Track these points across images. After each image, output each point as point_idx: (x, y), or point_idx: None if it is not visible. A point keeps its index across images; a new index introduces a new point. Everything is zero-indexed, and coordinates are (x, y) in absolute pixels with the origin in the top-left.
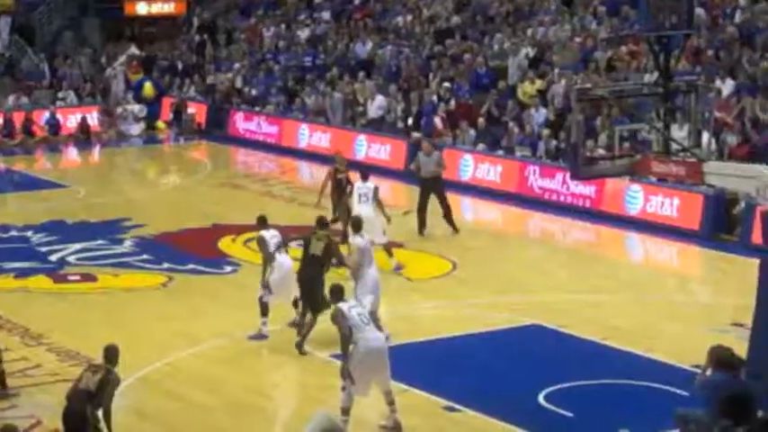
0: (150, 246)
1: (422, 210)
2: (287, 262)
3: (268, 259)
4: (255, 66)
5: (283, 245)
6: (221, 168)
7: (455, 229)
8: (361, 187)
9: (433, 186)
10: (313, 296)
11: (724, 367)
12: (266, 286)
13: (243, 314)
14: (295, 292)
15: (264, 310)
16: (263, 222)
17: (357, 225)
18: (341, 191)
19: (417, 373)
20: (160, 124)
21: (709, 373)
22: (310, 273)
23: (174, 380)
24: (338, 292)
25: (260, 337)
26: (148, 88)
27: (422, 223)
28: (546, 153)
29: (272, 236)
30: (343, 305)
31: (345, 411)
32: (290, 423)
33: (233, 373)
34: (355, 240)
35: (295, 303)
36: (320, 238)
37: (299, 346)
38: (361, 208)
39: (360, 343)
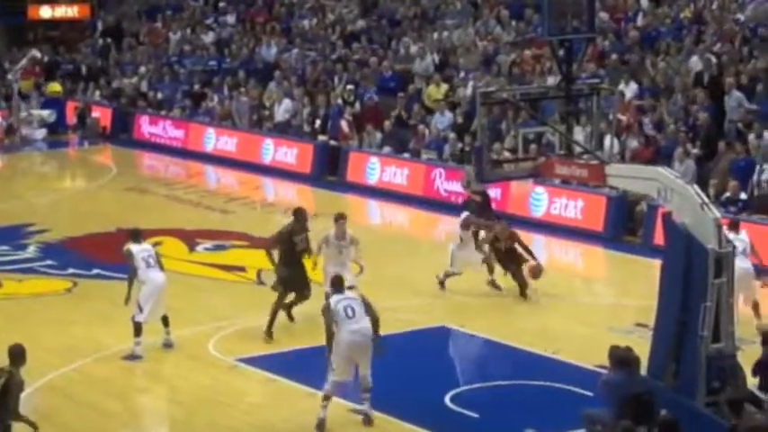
0: (54, 251)
1: None
2: (158, 278)
3: (133, 274)
4: (161, 70)
5: (156, 260)
6: (126, 173)
7: None
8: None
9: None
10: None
11: (622, 366)
12: (138, 305)
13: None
14: (164, 309)
15: (137, 330)
16: (134, 236)
17: None
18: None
19: (323, 376)
20: (54, 86)
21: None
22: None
23: (79, 385)
24: (337, 284)
25: (133, 357)
26: (54, 85)
27: None
28: (452, 156)
29: (141, 250)
30: (332, 300)
31: (326, 398)
32: (198, 429)
33: (138, 378)
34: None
35: (164, 321)
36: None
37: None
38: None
39: (342, 335)
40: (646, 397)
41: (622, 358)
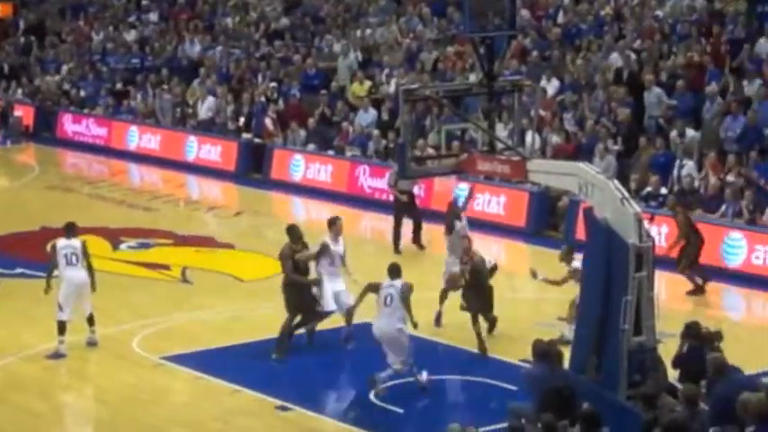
0: None
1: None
2: (74, 277)
3: (52, 268)
4: (83, 68)
5: (79, 258)
6: (50, 171)
7: (421, 247)
8: None
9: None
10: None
11: (543, 360)
12: (58, 304)
13: (73, 318)
14: (89, 308)
15: (61, 329)
16: (66, 230)
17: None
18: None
19: (248, 373)
20: None
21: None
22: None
23: (2, 385)
24: (395, 271)
25: (57, 356)
26: None
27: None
28: (376, 153)
29: (65, 246)
30: (386, 283)
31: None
32: (123, 427)
33: (63, 377)
34: None
35: (89, 320)
36: (302, 248)
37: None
38: None
39: (375, 322)
40: (567, 391)
41: (544, 352)
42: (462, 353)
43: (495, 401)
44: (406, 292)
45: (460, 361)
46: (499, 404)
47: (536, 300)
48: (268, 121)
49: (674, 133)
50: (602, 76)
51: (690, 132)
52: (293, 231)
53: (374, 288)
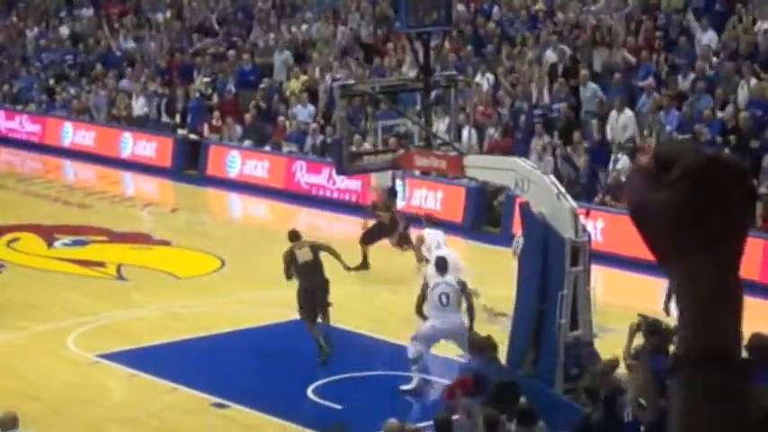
0: None
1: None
2: None
3: None
4: (16, 63)
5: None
6: None
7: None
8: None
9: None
10: (323, 300)
11: (479, 353)
12: None
13: (7, 316)
14: None
15: None
16: None
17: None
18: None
19: (185, 371)
20: None
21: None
22: (313, 281)
23: None
24: (442, 266)
25: None
26: None
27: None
28: (312, 149)
29: None
30: (431, 281)
31: (414, 361)
32: (60, 426)
33: None
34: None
35: None
36: (301, 246)
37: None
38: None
39: (430, 321)
40: (512, 386)
41: (480, 345)
42: (401, 349)
43: (433, 397)
44: (465, 288)
45: (398, 357)
46: (437, 399)
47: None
48: (214, 116)
49: (613, 114)
50: (537, 71)
51: (627, 113)
52: (293, 236)
53: (426, 287)
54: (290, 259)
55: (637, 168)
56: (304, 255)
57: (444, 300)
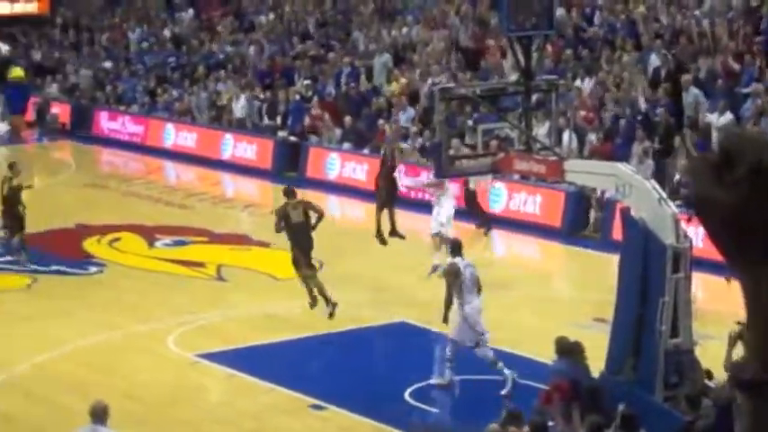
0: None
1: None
2: None
3: None
4: (120, 65)
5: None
6: (86, 169)
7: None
8: None
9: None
10: (309, 259)
11: (565, 356)
12: None
13: (109, 315)
14: None
15: None
16: None
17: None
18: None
19: (283, 371)
20: (17, 71)
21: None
22: (301, 240)
23: (38, 382)
24: (457, 248)
25: None
26: (17, 71)
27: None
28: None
29: None
30: (459, 262)
31: (450, 360)
32: (158, 425)
33: (98, 374)
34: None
35: None
36: (295, 206)
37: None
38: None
39: (464, 306)
40: (599, 390)
41: (566, 348)
42: (497, 353)
43: (528, 401)
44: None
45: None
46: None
47: (571, 300)
48: (316, 115)
49: (714, 116)
50: (639, 76)
51: (727, 116)
52: (288, 191)
53: (456, 273)
54: (282, 215)
55: (702, 158)
56: (297, 216)
57: (471, 281)
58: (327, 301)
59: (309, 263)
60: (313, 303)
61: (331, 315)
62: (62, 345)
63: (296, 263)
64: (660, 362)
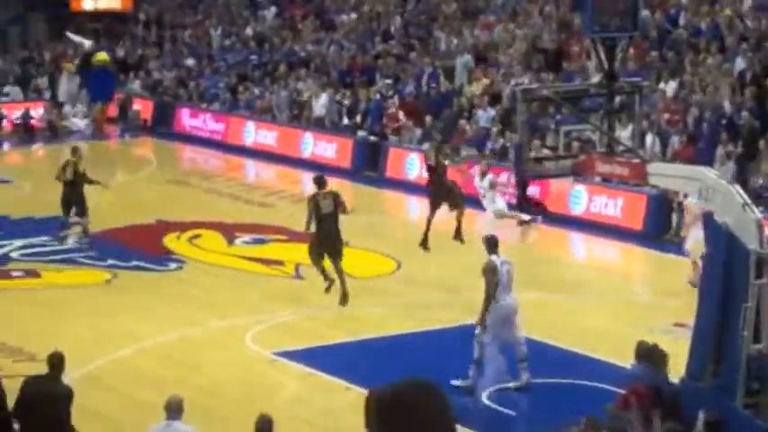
0: (94, 242)
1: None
2: None
3: None
4: (202, 62)
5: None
6: (167, 165)
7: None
8: None
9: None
10: (336, 249)
11: (645, 360)
12: None
13: (188, 311)
14: None
15: None
16: None
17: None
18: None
19: (360, 371)
20: (102, 55)
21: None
22: (328, 229)
23: (117, 377)
24: (494, 245)
25: None
26: (102, 54)
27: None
28: (493, 152)
29: None
30: (496, 259)
31: (477, 362)
32: (235, 421)
33: (176, 370)
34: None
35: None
36: (325, 196)
37: (329, 288)
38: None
39: (500, 302)
40: (672, 393)
41: (646, 352)
42: (575, 356)
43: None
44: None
45: (573, 364)
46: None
47: (652, 304)
48: (400, 114)
49: None
50: (723, 79)
51: None
52: (319, 180)
53: (494, 270)
54: (313, 207)
55: None
56: (327, 206)
57: (507, 277)
58: (326, 277)
59: (321, 253)
60: (329, 288)
61: (326, 290)
62: (141, 340)
63: (310, 248)
64: (742, 368)
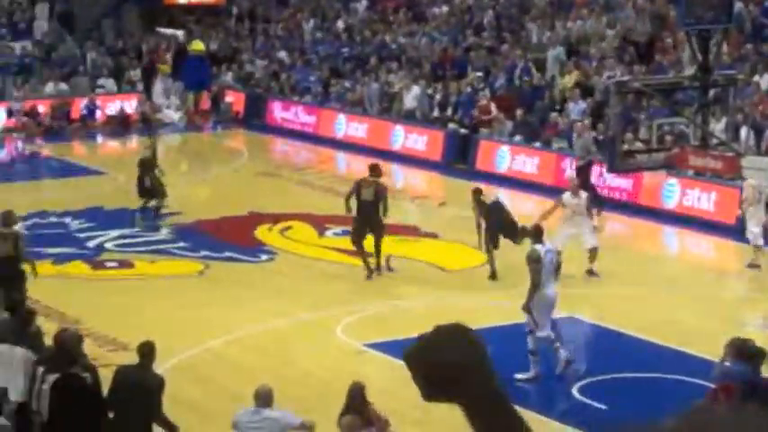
0: (187, 233)
1: None
2: None
3: None
4: (293, 55)
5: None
6: (259, 157)
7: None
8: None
9: None
10: (376, 229)
11: (743, 358)
12: None
13: (278, 302)
14: None
15: None
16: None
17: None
18: None
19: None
20: (197, 44)
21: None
22: (366, 216)
23: (208, 367)
24: (538, 234)
25: None
26: (198, 43)
27: None
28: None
29: None
30: (540, 248)
31: (534, 353)
32: (325, 412)
33: (267, 361)
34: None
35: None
36: (369, 184)
37: (378, 268)
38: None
39: (543, 290)
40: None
41: (745, 351)
42: (667, 351)
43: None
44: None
45: (665, 359)
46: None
47: (746, 300)
48: (492, 106)
49: None
50: None
51: None
52: (373, 168)
53: (537, 258)
54: (352, 190)
55: None
56: (368, 194)
57: (551, 266)
58: (366, 264)
59: (362, 235)
60: (369, 275)
61: (367, 278)
62: (232, 330)
63: (353, 233)
64: None
